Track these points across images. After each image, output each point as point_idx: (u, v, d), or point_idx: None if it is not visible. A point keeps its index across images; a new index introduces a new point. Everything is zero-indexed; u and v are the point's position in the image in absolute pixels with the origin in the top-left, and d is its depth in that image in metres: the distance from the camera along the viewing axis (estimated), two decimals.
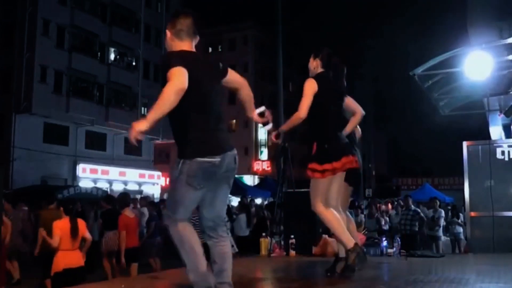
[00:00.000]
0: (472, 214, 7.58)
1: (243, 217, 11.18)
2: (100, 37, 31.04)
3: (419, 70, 8.66)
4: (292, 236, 6.35)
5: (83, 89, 30.04)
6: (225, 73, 3.34)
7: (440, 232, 11.64)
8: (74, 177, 29.14)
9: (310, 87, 4.23)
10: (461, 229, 12.04)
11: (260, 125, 3.67)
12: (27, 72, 27.23)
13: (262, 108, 3.57)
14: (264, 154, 44.15)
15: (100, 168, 30.69)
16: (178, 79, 2.94)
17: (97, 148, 31.12)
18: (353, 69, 43.00)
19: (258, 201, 21.33)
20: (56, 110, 27.85)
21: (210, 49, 46.44)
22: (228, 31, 44.96)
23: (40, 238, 8.35)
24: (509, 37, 9.14)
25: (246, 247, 10.84)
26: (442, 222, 11.73)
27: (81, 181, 28.60)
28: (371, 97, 42.70)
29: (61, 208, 7.23)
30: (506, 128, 11.51)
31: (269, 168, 40.64)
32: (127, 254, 7.97)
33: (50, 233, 8.37)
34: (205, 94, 3.15)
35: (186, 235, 3.11)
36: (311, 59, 4.52)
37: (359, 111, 4.62)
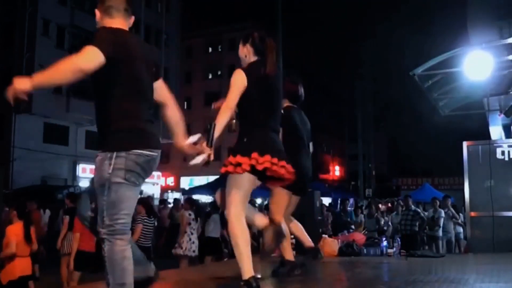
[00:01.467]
0: (472, 214, 7.58)
1: (216, 217, 10.78)
2: None
3: (419, 70, 8.66)
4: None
5: (83, 89, 30.02)
6: (157, 76, 3.03)
7: (440, 232, 11.63)
8: (74, 177, 29.16)
9: (237, 80, 3.55)
10: (461, 229, 12.03)
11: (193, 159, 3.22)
12: (27, 72, 27.17)
13: (196, 137, 3.17)
14: None
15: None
16: (85, 58, 2.69)
17: (97, 148, 30.97)
18: (353, 69, 43.01)
19: (258, 201, 21.34)
20: (56, 110, 27.85)
21: (210, 49, 46.45)
22: (228, 31, 44.92)
23: None
24: (509, 36, 9.16)
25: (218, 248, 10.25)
26: (442, 222, 11.71)
27: (81, 181, 28.60)
28: (371, 97, 42.63)
29: (14, 212, 6.66)
30: (506, 128, 11.51)
31: None
32: (80, 259, 7.12)
33: None
34: (139, 78, 2.83)
35: (125, 260, 2.68)
36: (240, 47, 3.76)
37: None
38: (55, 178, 27.63)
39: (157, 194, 33.39)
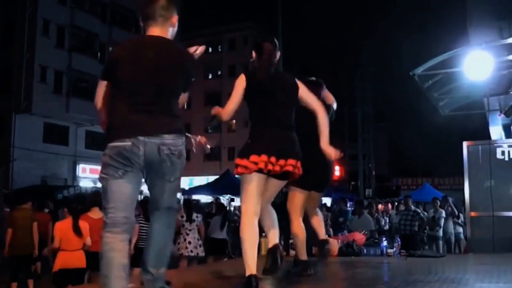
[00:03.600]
0: (472, 214, 7.58)
1: (217, 218, 10.87)
2: (100, 37, 31.05)
3: (419, 70, 8.66)
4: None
5: (83, 89, 30.03)
6: (189, 74, 3.11)
7: (440, 232, 11.64)
8: (74, 177, 29.17)
9: (237, 84, 3.84)
10: (461, 229, 12.03)
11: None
12: (27, 72, 27.24)
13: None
14: None
15: (100, 168, 30.68)
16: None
17: (97, 148, 31.07)
18: (353, 69, 42.98)
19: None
20: (56, 110, 27.86)
21: (210, 49, 46.45)
22: (228, 31, 44.96)
23: (7, 239, 8.00)
24: (509, 36, 9.15)
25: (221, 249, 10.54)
26: (442, 222, 11.72)
27: (81, 181, 28.61)
28: (371, 97, 42.60)
29: (65, 209, 7.02)
30: (506, 128, 11.51)
31: None
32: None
33: (21, 233, 7.99)
34: (131, 73, 2.86)
35: (111, 252, 2.76)
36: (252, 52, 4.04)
37: (319, 109, 4.17)
38: (55, 178, 27.63)
39: None
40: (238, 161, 3.57)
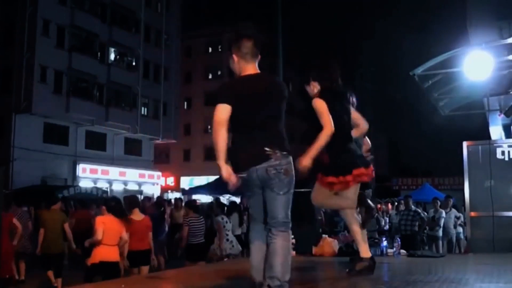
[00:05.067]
0: (472, 214, 7.57)
1: (235, 216, 11.24)
2: (100, 37, 31.04)
3: (419, 70, 8.65)
4: (292, 236, 6.34)
5: (83, 89, 30.04)
6: (283, 97, 3.60)
7: (440, 232, 11.63)
8: (74, 177, 29.15)
9: (322, 105, 4.33)
10: (461, 229, 12.03)
11: None
12: (27, 72, 27.23)
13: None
14: None
15: (100, 168, 30.70)
16: (217, 114, 3.41)
17: (97, 148, 31.12)
18: (353, 69, 43.01)
19: None
20: (56, 110, 27.85)
21: (210, 49, 46.44)
22: (228, 31, 44.92)
23: (40, 238, 8.48)
24: (509, 37, 9.15)
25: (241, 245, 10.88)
26: (443, 222, 11.71)
27: (81, 181, 28.60)
28: (371, 97, 42.67)
29: (104, 207, 7.34)
30: (506, 128, 11.51)
31: None
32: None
33: (53, 233, 8.51)
34: (251, 112, 3.45)
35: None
36: (307, 88, 4.70)
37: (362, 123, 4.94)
38: (55, 178, 27.62)
39: (157, 194, 33.40)
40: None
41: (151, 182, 35.06)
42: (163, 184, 38.15)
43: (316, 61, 4.92)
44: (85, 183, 27.62)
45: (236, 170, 3.42)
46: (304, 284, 4.29)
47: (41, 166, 26.36)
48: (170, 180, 40.10)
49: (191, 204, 9.26)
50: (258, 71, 3.60)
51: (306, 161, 4.02)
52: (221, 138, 3.35)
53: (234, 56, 3.59)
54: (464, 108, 11.42)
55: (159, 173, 36.29)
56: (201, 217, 9.13)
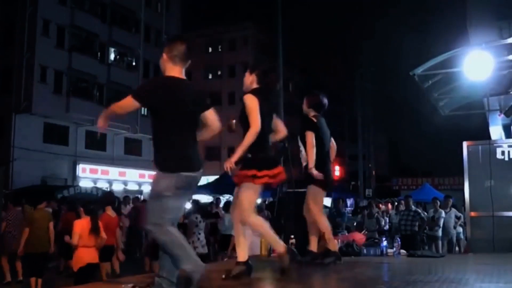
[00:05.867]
0: (472, 214, 7.58)
1: (228, 216, 11.38)
2: (100, 37, 31.04)
3: (419, 70, 8.65)
4: (292, 236, 6.35)
5: (83, 89, 30.03)
6: (206, 107, 3.69)
7: (440, 232, 11.63)
8: (74, 177, 29.14)
9: (254, 101, 4.31)
10: (461, 229, 12.03)
11: None
12: (27, 72, 27.23)
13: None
14: None
15: (100, 168, 30.68)
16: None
17: (97, 148, 31.11)
18: (353, 69, 42.96)
19: (258, 201, 21.42)
20: (56, 110, 27.84)
21: (210, 49, 46.44)
22: (228, 31, 44.93)
23: (24, 237, 8.45)
24: (509, 37, 9.14)
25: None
26: (442, 222, 11.71)
27: (81, 181, 28.59)
28: (371, 97, 42.63)
29: (81, 209, 7.44)
30: (506, 128, 11.51)
31: None
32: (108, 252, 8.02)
33: (38, 233, 8.51)
34: (184, 114, 3.49)
35: (175, 235, 3.40)
36: (247, 74, 4.58)
37: (283, 131, 4.75)
38: (55, 178, 27.61)
39: None
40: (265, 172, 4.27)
41: (150, 182, 35.06)
42: None
43: (266, 63, 4.76)
44: (85, 183, 27.61)
45: (186, 168, 3.45)
46: (304, 284, 4.29)
47: (41, 166, 26.35)
48: None
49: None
50: (183, 77, 3.65)
51: (229, 162, 4.18)
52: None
53: (164, 55, 3.67)
54: (464, 108, 11.42)
55: None
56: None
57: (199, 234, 9.79)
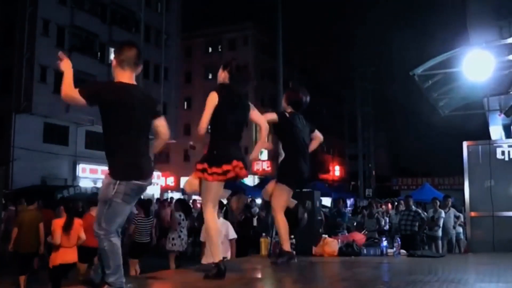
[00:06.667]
0: (472, 214, 7.57)
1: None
2: (100, 37, 31.04)
3: (419, 70, 8.66)
4: (292, 236, 6.35)
5: None
6: (157, 114, 3.73)
7: (439, 232, 11.62)
8: (74, 177, 29.14)
9: (210, 101, 4.32)
10: (461, 229, 12.02)
11: None
12: (27, 72, 27.22)
13: None
14: (264, 154, 44.19)
15: (100, 168, 30.63)
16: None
17: (97, 148, 31.03)
18: (353, 69, 42.99)
19: (258, 201, 21.36)
20: (56, 110, 27.80)
21: (210, 49, 46.43)
22: (228, 31, 44.92)
23: (13, 236, 8.56)
24: (509, 36, 9.15)
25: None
26: (442, 222, 11.71)
27: (81, 181, 28.59)
28: (371, 97, 42.65)
29: (62, 207, 7.42)
30: (506, 128, 11.52)
31: (269, 168, 40.64)
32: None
33: (28, 233, 8.53)
34: (132, 120, 3.48)
35: (118, 247, 3.48)
36: (220, 70, 4.58)
37: (264, 124, 4.75)
38: (55, 178, 27.61)
39: (157, 194, 33.41)
40: (215, 169, 4.31)
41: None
42: (163, 184, 38.15)
43: (238, 63, 4.69)
44: (85, 183, 27.59)
45: (134, 176, 3.48)
46: (304, 284, 4.29)
47: (41, 166, 26.35)
48: (170, 180, 40.11)
49: (144, 205, 9.59)
50: (133, 82, 3.63)
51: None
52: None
53: (113, 60, 3.65)
54: (464, 108, 11.43)
55: (159, 173, 36.27)
56: (151, 217, 9.77)
57: (181, 232, 10.04)
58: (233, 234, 7.16)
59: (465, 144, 7.69)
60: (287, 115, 5.34)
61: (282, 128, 5.25)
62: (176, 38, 38.00)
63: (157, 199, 17.60)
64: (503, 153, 7.45)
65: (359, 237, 7.05)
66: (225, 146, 4.34)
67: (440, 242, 11.62)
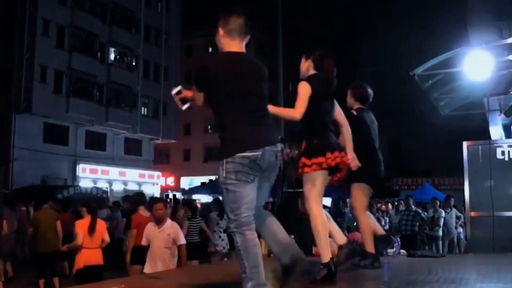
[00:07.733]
0: (472, 214, 7.57)
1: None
2: (100, 37, 31.06)
3: (419, 70, 8.65)
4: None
5: (83, 89, 30.04)
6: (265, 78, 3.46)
7: (440, 232, 11.63)
8: (74, 177, 29.17)
9: (305, 90, 4.08)
10: (461, 229, 12.02)
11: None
12: (27, 72, 27.23)
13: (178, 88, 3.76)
14: None
15: (100, 168, 30.70)
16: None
17: (97, 148, 31.13)
18: (353, 69, 42.94)
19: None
20: (56, 110, 27.85)
21: (210, 49, 46.40)
22: None
23: (28, 237, 8.47)
24: (509, 36, 9.14)
25: None
26: (442, 222, 11.71)
27: (81, 181, 28.61)
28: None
29: (84, 208, 7.36)
30: (506, 128, 11.50)
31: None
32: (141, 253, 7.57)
33: (46, 233, 8.53)
34: (243, 90, 3.19)
35: (253, 243, 3.06)
36: (303, 60, 4.40)
37: (347, 124, 4.54)
38: (55, 178, 27.64)
39: (157, 194, 33.38)
40: (314, 160, 4.00)
41: (151, 182, 35.07)
42: (163, 184, 38.15)
43: (323, 49, 4.40)
44: (85, 183, 27.62)
45: (240, 149, 3.05)
46: (304, 284, 4.29)
47: (41, 166, 26.37)
48: (170, 180, 40.11)
49: (191, 205, 9.47)
50: (243, 51, 3.34)
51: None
52: None
53: (220, 30, 3.35)
54: (464, 108, 11.41)
55: (159, 173, 36.28)
56: (198, 217, 9.43)
57: (221, 232, 9.55)
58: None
59: (465, 144, 7.68)
60: (354, 112, 5.19)
61: (354, 129, 4.75)
62: (176, 38, 37.99)
63: None
64: (503, 153, 7.44)
65: (359, 237, 7.04)
66: (325, 136, 4.09)
67: (440, 242, 11.62)
